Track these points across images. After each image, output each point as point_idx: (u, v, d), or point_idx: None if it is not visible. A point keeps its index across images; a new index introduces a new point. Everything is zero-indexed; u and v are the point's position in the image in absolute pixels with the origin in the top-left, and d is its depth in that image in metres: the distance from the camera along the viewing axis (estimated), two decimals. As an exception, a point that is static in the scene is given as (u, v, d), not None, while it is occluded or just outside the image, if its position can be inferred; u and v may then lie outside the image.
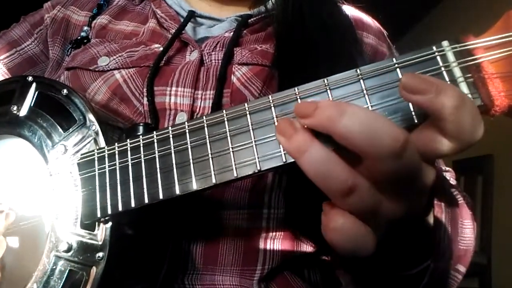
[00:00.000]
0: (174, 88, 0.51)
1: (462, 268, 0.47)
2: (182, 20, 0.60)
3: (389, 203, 0.28)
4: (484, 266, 2.09)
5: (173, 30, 0.57)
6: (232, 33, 0.56)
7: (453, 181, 0.55)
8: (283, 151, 0.31)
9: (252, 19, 0.58)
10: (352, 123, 0.26)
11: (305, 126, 0.28)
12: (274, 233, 0.49)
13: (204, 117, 0.35)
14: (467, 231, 0.48)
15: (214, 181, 0.33)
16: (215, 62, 0.53)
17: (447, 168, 0.60)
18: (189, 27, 0.59)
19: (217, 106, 0.49)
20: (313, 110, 0.27)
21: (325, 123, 0.27)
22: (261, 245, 0.48)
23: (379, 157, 0.26)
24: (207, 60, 0.54)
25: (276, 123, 0.31)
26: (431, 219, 0.39)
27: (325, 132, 0.27)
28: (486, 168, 2.26)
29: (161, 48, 0.55)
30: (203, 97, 0.51)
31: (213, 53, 0.54)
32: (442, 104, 0.26)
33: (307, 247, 0.51)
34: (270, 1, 0.60)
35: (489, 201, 2.19)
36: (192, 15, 0.59)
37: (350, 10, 0.63)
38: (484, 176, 2.28)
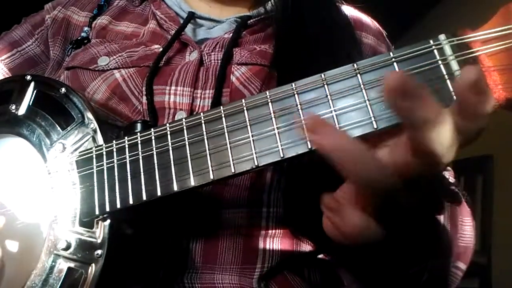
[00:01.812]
0: (173, 87, 0.51)
1: (462, 265, 0.47)
2: (181, 21, 0.60)
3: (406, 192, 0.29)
4: (484, 266, 2.08)
5: (173, 32, 0.57)
6: (231, 34, 0.56)
7: (452, 180, 0.55)
8: (281, 146, 0.31)
9: (251, 20, 0.58)
10: None
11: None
12: (273, 232, 0.49)
13: (201, 113, 0.35)
14: (467, 228, 0.48)
15: (211, 177, 0.33)
16: (215, 62, 0.53)
17: (447, 167, 0.60)
18: (189, 28, 0.59)
19: (216, 105, 0.49)
20: None
21: None
22: (261, 244, 0.48)
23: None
24: (206, 60, 0.54)
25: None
26: (434, 216, 0.39)
27: None
28: (486, 168, 2.25)
29: (161, 49, 0.55)
30: (202, 96, 0.51)
31: (213, 53, 0.54)
32: None
33: (306, 246, 0.50)
34: (269, 2, 0.60)
35: (489, 201, 2.18)
36: (192, 16, 0.59)
37: (349, 10, 0.63)
38: (484, 176, 2.27)
